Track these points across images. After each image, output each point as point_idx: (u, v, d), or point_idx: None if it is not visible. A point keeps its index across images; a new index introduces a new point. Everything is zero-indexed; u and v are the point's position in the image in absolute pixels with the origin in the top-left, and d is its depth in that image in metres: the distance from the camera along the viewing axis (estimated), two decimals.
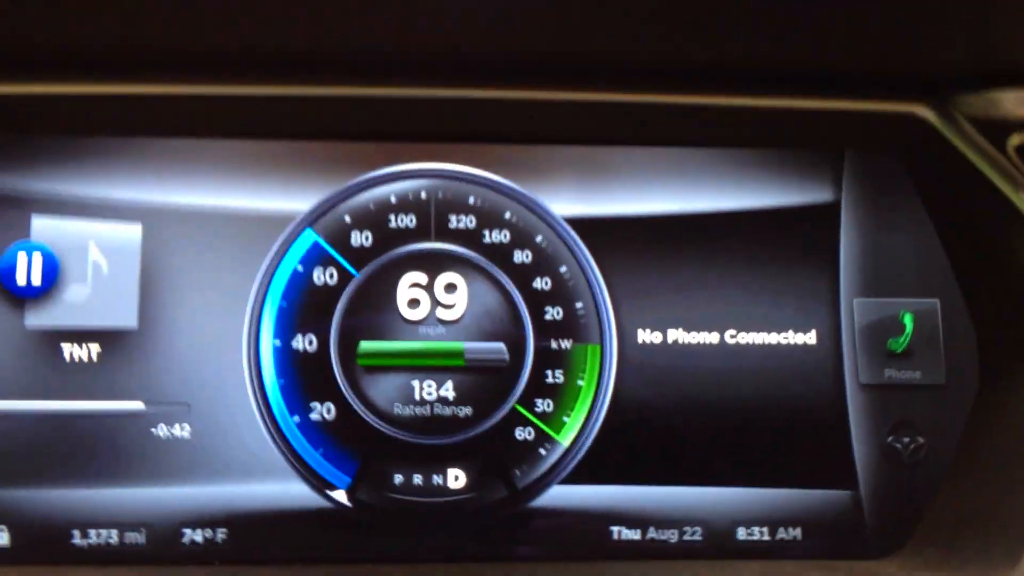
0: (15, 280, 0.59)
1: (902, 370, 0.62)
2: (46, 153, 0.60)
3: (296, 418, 0.59)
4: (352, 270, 0.60)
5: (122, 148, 0.60)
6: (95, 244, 0.60)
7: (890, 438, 0.61)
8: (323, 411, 0.59)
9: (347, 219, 0.61)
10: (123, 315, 0.59)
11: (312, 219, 0.61)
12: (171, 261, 0.60)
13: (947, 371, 0.62)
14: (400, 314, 0.60)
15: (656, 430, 0.60)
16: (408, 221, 0.61)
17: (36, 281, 0.59)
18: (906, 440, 0.61)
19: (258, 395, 0.59)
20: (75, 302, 0.59)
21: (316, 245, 0.60)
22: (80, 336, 0.59)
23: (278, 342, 0.59)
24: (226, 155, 0.61)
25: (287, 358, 0.59)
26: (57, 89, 0.57)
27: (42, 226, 0.60)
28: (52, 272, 0.59)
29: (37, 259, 0.59)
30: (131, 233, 0.60)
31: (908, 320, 0.62)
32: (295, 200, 0.61)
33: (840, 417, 0.61)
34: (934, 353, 0.62)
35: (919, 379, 0.62)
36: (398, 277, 0.60)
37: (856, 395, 0.62)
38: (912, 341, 0.62)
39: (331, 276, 0.60)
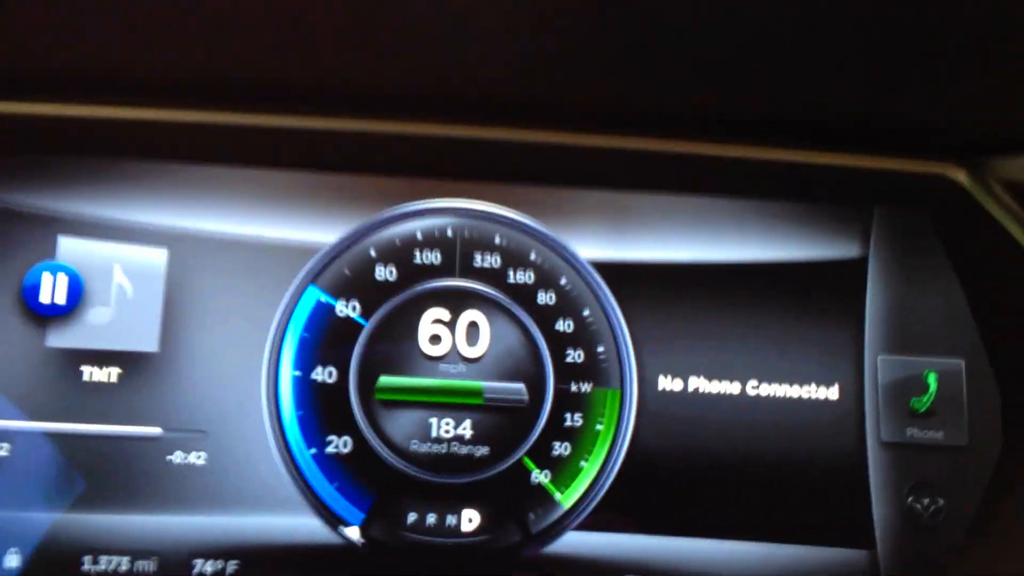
0: (39, 299, 0.59)
1: (924, 430, 0.61)
2: (75, 174, 0.60)
3: (312, 451, 0.59)
4: (375, 304, 0.60)
5: (151, 173, 0.61)
6: (120, 267, 0.60)
7: (910, 499, 0.61)
8: (340, 444, 0.59)
9: (372, 252, 0.61)
10: (145, 339, 0.59)
11: (338, 252, 0.61)
12: (195, 287, 0.60)
13: (970, 432, 0.61)
14: (421, 350, 0.60)
15: (673, 480, 0.60)
16: (433, 257, 0.61)
17: (60, 301, 0.59)
18: (926, 501, 0.61)
19: (275, 426, 0.58)
20: (97, 324, 0.59)
21: (342, 277, 0.61)
22: (101, 358, 0.59)
23: (298, 373, 0.59)
24: (255, 184, 0.61)
25: (306, 389, 0.59)
26: (89, 112, 0.58)
27: (68, 247, 0.60)
28: (76, 293, 0.59)
29: (62, 280, 0.59)
30: (157, 258, 0.60)
31: (932, 380, 0.62)
32: (321, 232, 0.61)
33: (860, 475, 0.60)
34: (957, 414, 0.62)
35: (941, 439, 0.61)
36: (421, 313, 0.60)
37: (877, 453, 0.61)
38: (935, 401, 0.62)
39: (354, 309, 0.60)
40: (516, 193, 0.62)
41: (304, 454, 0.58)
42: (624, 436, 0.60)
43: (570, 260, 0.62)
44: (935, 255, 0.63)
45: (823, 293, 0.62)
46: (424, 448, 0.59)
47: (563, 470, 0.60)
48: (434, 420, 0.60)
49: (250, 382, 0.59)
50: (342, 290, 0.60)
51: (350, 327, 0.60)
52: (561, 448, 0.60)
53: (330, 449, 0.59)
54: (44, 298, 0.59)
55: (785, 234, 0.63)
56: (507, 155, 0.60)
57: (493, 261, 0.62)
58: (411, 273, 0.61)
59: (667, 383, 0.61)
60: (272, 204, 0.61)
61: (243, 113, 0.58)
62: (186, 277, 0.60)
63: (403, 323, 0.60)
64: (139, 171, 0.61)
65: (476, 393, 0.60)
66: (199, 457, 0.58)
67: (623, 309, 0.61)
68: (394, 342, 0.60)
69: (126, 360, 0.59)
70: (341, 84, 0.55)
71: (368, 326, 0.60)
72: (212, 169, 0.61)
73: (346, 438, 0.59)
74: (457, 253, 0.61)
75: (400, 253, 0.61)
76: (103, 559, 0.57)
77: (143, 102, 0.57)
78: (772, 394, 0.61)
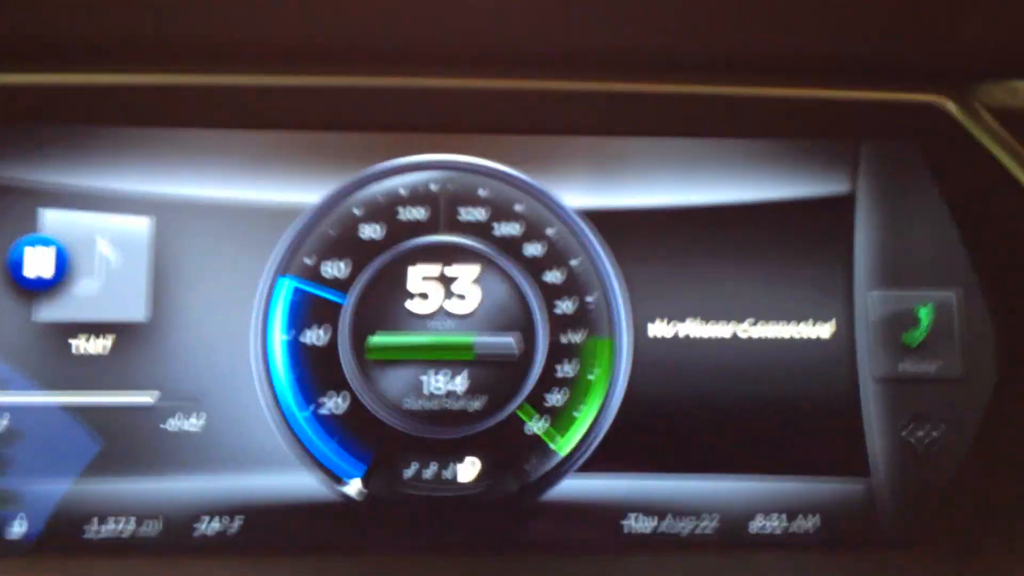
0: (23, 274, 0.58)
1: (917, 363, 0.61)
2: (54, 144, 0.59)
3: (307, 411, 0.59)
4: (362, 264, 0.60)
5: (130, 139, 0.60)
6: (104, 237, 0.59)
7: (905, 431, 0.61)
8: (333, 404, 0.59)
9: (356, 211, 0.60)
10: (133, 308, 0.59)
11: (322, 213, 0.60)
12: (182, 254, 0.59)
13: (964, 363, 0.61)
14: (410, 307, 0.60)
15: (668, 422, 0.60)
16: (418, 214, 0.61)
17: (46, 274, 0.59)
18: (921, 433, 0.61)
19: (268, 388, 0.59)
20: (85, 296, 0.59)
21: (327, 237, 0.60)
22: (90, 329, 0.59)
23: (288, 335, 0.59)
24: (236, 146, 0.60)
25: (297, 351, 0.59)
26: (66, 79, 0.57)
27: (51, 219, 0.59)
28: (62, 265, 0.59)
29: (46, 253, 0.59)
30: (141, 226, 0.60)
31: (924, 313, 0.62)
32: (304, 192, 0.60)
33: (853, 409, 0.61)
34: (950, 345, 0.61)
35: (934, 372, 0.61)
36: (408, 270, 0.60)
37: (870, 388, 0.61)
38: (928, 334, 0.61)
39: (340, 270, 0.60)
40: (500, 144, 0.61)
41: (299, 415, 0.59)
42: (618, 383, 0.60)
43: (557, 209, 0.61)
44: (924, 186, 0.63)
45: (812, 231, 0.62)
46: (418, 404, 0.59)
47: (558, 419, 0.60)
48: (427, 376, 0.60)
49: (241, 346, 0.59)
50: (328, 251, 0.60)
51: (338, 287, 0.60)
52: (555, 398, 0.60)
53: (324, 409, 0.59)
54: (29, 272, 0.58)
55: (772, 173, 0.62)
56: (488, 105, 0.59)
57: (479, 214, 0.61)
58: (396, 230, 0.60)
59: (659, 328, 0.61)
60: (254, 166, 0.60)
61: (221, 74, 0.57)
62: (171, 244, 0.59)
63: (391, 281, 0.60)
64: (118, 137, 0.60)
65: (467, 347, 0.60)
66: (195, 422, 0.58)
67: (613, 256, 0.61)
68: (383, 301, 0.60)
69: (116, 330, 0.59)
70: (320, 41, 0.54)
71: (356, 286, 0.60)
72: (192, 133, 0.60)
73: (339, 398, 0.59)
74: (442, 208, 0.61)
75: (384, 211, 0.61)
76: (107, 523, 0.57)
77: (119, 67, 0.56)
78: (764, 334, 0.61)
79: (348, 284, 0.60)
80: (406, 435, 0.59)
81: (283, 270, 0.59)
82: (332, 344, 0.59)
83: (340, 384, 0.59)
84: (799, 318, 0.61)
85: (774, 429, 0.60)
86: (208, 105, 0.58)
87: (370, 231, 0.60)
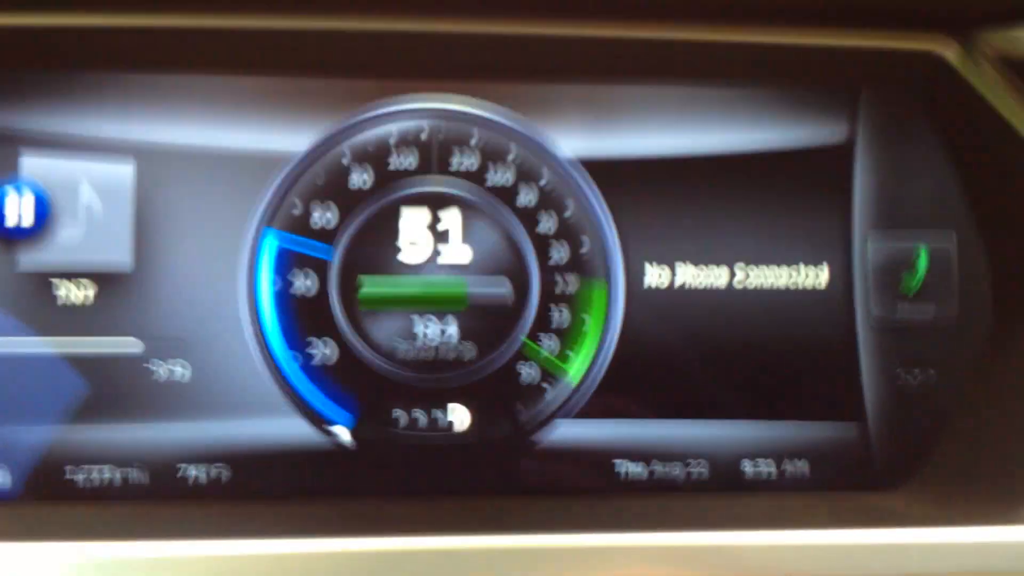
0: (4, 221, 0.57)
1: (915, 306, 0.61)
2: (35, 88, 0.58)
3: (297, 358, 0.58)
4: (352, 211, 0.59)
5: (113, 83, 0.58)
6: (87, 182, 0.58)
7: (899, 375, 0.61)
8: (324, 351, 0.58)
9: (346, 158, 0.59)
10: (117, 255, 0.58)
11: (311, 159, 0.59)
12: (165, 201, 0.58)
13: (960, 308, 0.61)
14: (402, 254, 0.59)
15: (662, 366, 0.60)
16: (409, 161, 0.60)
17: (27, 222, 0.57)
18: (916, 372, 0.61)
19: (257, 335, 0.58)
20: (68, 243, 0.58)
21: (315, 185, 0.59)
22: (74, 277, 0.57)
23: (277, 283, 0.58)
24: (221, 91, 0.59)
25: (286, 298, 0.58)
26: (44, 21, 0.55)
27: (32, 164, 0.58)
28: (43, 212, 0.57)
29: (28, 199, 0.57)
30: (123, 171, 0.58)
31: (922, 257, 0.61)
32: (292, 138, 0.59)
33: (849, 351, 0.61)
34: (948, 289, 0.61)
35: (932, 316, 0.61)
36: (399, 218, 0.59)
37: (867, 330, 0.61)
38: (926, 277, 0.61)
39: (329, 221, 0.59)
40: (491, 89, 0.60)
41: (288, 362, 0.58)
42: (612, 329, 0.59)
43: (549, 158, 0.60)
44: (923, 134, 0.62)
45: (811, 179, 0.61)
46: (410, 351, 0.59)
47: (552, 365, 0.59)
48: (419, 324, 0.59)
49: (229, 294, 0.58)
50: (317, 198, 0.59)
51: (327, 235, 0.59)
52: (549, 343, 0.59)
53: (315, 356, 0.58)
54: (11, 219, 0.57)
55: (771, 122, 0.61)
56: (480, 49, 0.58)
57: (471, 162, 0.60)
58: (387, 178, 0.59)
59: (654, 274, 0.60)
60: (240, 111, 0.59)
61: (205, 16, 0.55)
62: (155, 191, 0.58)
63: (381, 229, 0.59)
64: (100, 82, 0.58)
65: (460, 294, 0.59)
66: (182, 369, 0.57)
67: (606, 204, 0.60)
68: (374, 248, 0.59)
69: (100, 278, 0.57)
70: None
71: (346, 233, 0.59)
72: (175, 77, 0.59)
73: (330, 345, 0.58)
74: (433, 155, 0.60)
75: (374, 157, 0.59)
76: (91, 469, 0.57)
77: (99, 8, 0.55)
78: (760, 281, 0.60)
79: (336, 234, 0.59)
80: (398, 381, 0.58)
81: (269, 220, 0.58)
82: (322, 292, 0.58)
83: (330, 331, 0.58)
84: (796, 260, 0.61)
85: (768, 372, 0.60)
86: (191, 49, 0.57)
87: (359, 179, 0.59)
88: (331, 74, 0.60)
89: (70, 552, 0.49)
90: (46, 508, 0.55)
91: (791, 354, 0.60)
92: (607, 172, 0.60)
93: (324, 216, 0.59)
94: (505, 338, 0.59)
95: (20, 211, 0.57)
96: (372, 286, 0.59)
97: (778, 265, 0.61)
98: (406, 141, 0.60)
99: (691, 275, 0.60)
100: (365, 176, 0.59)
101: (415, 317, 0.59)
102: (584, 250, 0.60)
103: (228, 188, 0.58)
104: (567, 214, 0.60)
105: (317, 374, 0.58)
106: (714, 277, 0.60)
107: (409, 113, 0.60)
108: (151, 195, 0.58)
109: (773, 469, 0.60)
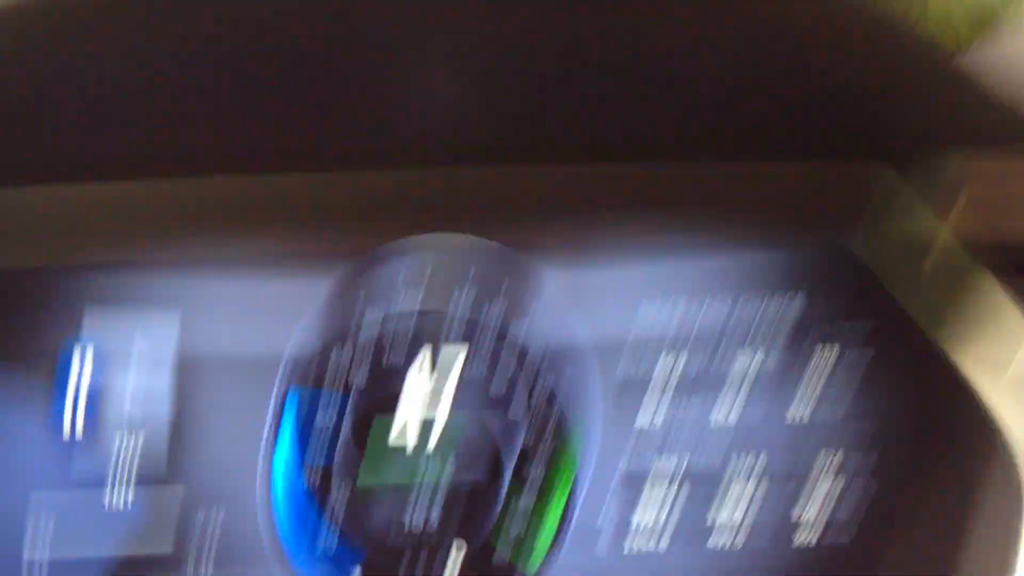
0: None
1: None
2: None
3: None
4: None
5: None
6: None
7: None
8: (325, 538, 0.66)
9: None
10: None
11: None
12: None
13: None
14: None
15: None
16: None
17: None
18: None
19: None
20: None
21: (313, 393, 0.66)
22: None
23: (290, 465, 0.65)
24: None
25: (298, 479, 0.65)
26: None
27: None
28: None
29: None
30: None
31: None
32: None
33: None
34: None
35: None
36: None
37: None
38: None
39: (330, 418, 0.66)
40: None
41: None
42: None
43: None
44: None
45: None
46: (398, 538, 0.66)
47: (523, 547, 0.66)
48: (407, 512, 0.65)
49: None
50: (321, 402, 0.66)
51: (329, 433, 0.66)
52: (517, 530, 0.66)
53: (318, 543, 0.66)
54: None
55: None
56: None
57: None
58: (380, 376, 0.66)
59: None
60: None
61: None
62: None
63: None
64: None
65: (440, 479, 0.65)
66: None
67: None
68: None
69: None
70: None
71: (344, 431, 0.66)
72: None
73: (329, 532, 0.66)
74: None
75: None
76: None
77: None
78: None
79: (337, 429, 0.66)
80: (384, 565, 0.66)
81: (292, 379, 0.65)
82: (327, 474, 0.66)
83: (330, 519, 0.66)
84: None
85: None
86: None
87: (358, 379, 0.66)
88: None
89: None
90: None
91: None
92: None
93: (327, 416, 0.67)
94: (483, 523, 0.66)
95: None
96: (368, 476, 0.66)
97: None
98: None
99: None
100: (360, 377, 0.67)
101: (402, 503, 0.66)
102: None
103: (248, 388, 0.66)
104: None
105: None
106: None
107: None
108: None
109: None
